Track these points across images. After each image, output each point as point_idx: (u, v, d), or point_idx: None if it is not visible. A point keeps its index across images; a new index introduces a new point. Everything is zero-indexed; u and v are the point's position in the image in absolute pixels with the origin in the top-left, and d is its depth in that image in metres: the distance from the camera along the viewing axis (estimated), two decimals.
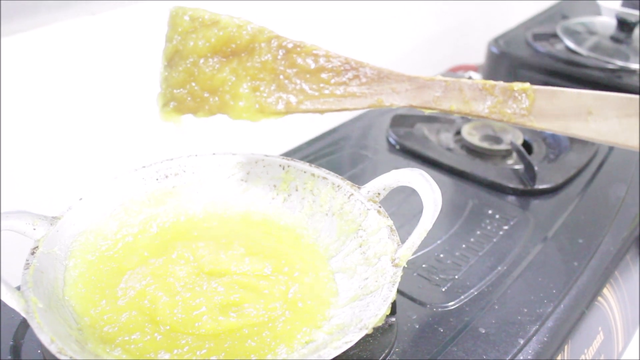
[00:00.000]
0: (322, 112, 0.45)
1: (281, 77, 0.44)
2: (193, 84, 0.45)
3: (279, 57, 0.43)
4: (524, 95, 0.42)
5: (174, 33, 0.45)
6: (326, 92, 0.44)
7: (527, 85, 0.43)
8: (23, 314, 0.44)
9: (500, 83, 0.43)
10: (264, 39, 0.44)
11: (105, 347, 0.48)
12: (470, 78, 1.06)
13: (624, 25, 1.25)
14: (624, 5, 1.46)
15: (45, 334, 0.43)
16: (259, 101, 0.45)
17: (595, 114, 0.41)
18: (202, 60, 0.45)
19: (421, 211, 0.53)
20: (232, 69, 0.44)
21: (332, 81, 0.44)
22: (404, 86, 0.44)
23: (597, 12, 1.43)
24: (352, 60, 0.44)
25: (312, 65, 0.44)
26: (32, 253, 0.51)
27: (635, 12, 1.34)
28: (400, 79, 0.43)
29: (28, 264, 0.49)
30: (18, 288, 0.48)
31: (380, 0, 1.25)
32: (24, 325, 0.55)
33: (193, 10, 0.45)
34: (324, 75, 0.44)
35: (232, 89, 0.45)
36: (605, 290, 0.69)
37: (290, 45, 0.44)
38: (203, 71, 0.45)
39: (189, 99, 0.46)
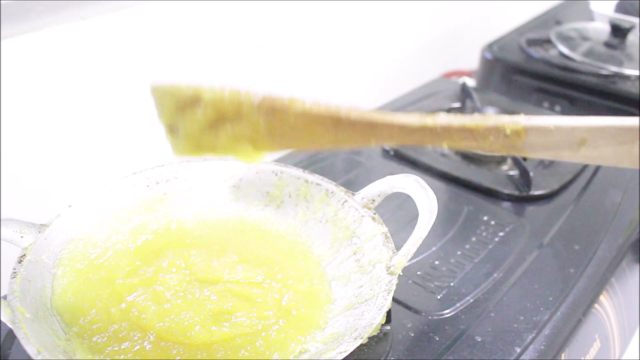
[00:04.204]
0: (319, 149, 0.47)
1: (277, 133, 0.44)
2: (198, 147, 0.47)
3: (269, 118, 0.43)
4: (514, 133, 0.42)
5: (161, 111, 0.46)
6: (320, 138, 0.44)
7: (518, 125, 0.41)
8: (9, 325, 0.43)
9: (491, 121, 0.42)
10: (248, 106, 0.43)
11: (94, 357, 0.47)
12: (464, 84, 1.05)
13: (618, 31, 1.25)
14: (617, 11, 1.46)
15: (32, 345, 0.42)
16: (260, 151, 0.46)
17: (589, 144, 0.41)
18: (198, 134, 0.46)
19: (416, 217, 0.52)
20: (229, 134, 0.45)
21: (325, 131, 0.44)
22: (394, 132, 0.43)
23: (591, 17, 1.43)
24: (342, 111, 0.43)
25: (303, 121, 0.43)
26: (20, 261, 0.50)
27: (629, 17, 1.34)
28: (390, 126, 0.43)
29: (15, 272, 0.48)
30: (5, 297, 0.47)
31: (373, 6, 1.24)
32: (10, 336, 0.54)
33: (171, 89, 0.45)
34: (315, 128, 0.44)
35: (234, 148, 0.46)
36: (601, 297, 0.69)
37: (277, 105, 0.43)
38: (203, 141, 0.46)
39: (198, 152, 0.47)
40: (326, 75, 1.23)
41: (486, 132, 0.42)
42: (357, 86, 1.31)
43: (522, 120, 0.42)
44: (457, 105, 1.03)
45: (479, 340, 0.57)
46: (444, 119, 0.43)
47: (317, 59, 1.19)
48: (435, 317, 0.60)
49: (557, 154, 0.42)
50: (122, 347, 0.47)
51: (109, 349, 0.47)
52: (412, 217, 0.55)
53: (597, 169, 0.87)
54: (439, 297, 0.63)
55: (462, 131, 0.42)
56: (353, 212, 0.57)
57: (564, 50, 1.23)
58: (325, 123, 0.43)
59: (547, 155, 0.42)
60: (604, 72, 1.16)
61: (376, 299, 0.49)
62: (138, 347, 0.47)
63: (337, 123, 0.43)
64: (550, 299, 0.63)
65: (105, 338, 0.48)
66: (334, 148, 0.45)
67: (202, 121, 0.44)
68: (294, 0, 1.07)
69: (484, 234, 0.73)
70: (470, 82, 1.25)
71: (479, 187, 0.81)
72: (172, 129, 0.46)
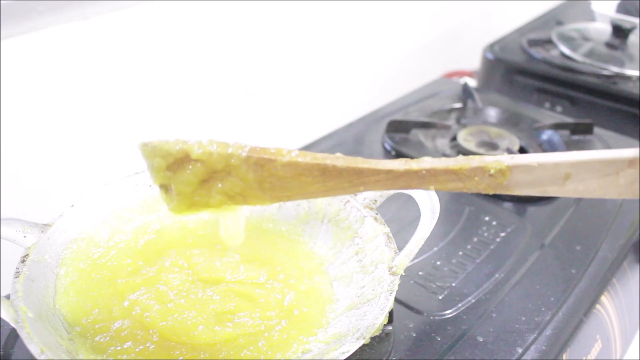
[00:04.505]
0: (309, 198, 0.47)
1: (267, 185, 0.44)
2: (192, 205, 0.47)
3: (257, 170, 0.44)
4: (499, 172, 0.42)
5: (153, 171, 0.46)
6: (310, 188, 0.45)
7: (502, 164, 0.42)
8: (12, 324, 0.43)
9: (474, 162, 0.42)
10: (237, 159, 0.44)
11: (97, 356, 0.47)
12: (465, 84, 1.05)
13: (619, 32, 1.26)
14: (618, 11, 1.46)
15: (35, 344, 0.42)
16: (252, 205, 0.46)
17: (573, 178, 0.41)
18: (190, 193, 0.46)
19: (418, 217, 0.52)
20: (220, 190, 0.45)
21: (313, 181, 0.44)
22: (381, 177, 0.44)
23: (592, 18, 1.43)
24: (328, 161, 0.44)
25: (291, 172, 0.44)
26: (23, 261, 0.50)
27: (630, 18, 1.34)
28: (377, 172, 0.43)
29: (18, 272, 0.49)
30: (8, 297, 0.47)
31: (374, 6, 1.24)
32: (13, 335, 0.54)
33: (160, 146, 0.45)
34: (303, 178, 0.44)
35: (226, 204, 0.46)
36: (603, 298, 0.69)
37: (264, 156, 0.43)
38: (196, 199, 0.46)
39: (192, 210, 0.47)
40: (327, 75, 1.23)
41: (471, 173, 0.42)
42: (358, 87, 1.31)
43: (506, 159, 0.42)
44: (458, 105, 1.03)
45: (481, 340, 0.58)
46: (428, 163, 0.43)
47: (318, 59, 1.19)
48: (437, 318, 0.60)
49: (544, 190, 0.42)
50: (125, 346, 0.47)
51: (111, 348, 0.47)
52: (414, 218, 0.55)
53: None
54: (440, 297, 0.63)
55: (446, 173, 0.43)
56: (355, 212, 0.57)
57: (565, 50, 1.23)
58: (312, 173, 0.43)
59: (534, 192, 0.42)
60: (605, 72, 1.16)
61: (378, 299, 0.49)
62: (141, 347, 0.47)
63: (324, 172, 0.43)
64: (552, 299, 0.63)
65: (108, 338, 0.48)
66: (324, 196, 0.46)
67: (193, 179, 0.44)
68: (294, 0, 1.07)
69: (486, 234, 0.73)
70: (472, 83, 1.25)
71: None
72: (166, 189, 0.46)
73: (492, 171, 0.42)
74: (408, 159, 0.44)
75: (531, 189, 0.42)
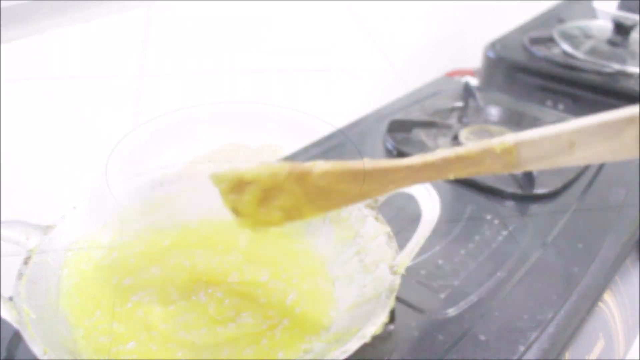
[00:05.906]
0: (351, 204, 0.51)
1: (312, 196, 0.48)
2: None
3: (300, 184, 0.47)
4: (505, 151, 0.44)
5: (222, 197, 0.50)
6: (348, 194, 0.48)
7: (506, 143, 0.43)
8: (16, 325, 0.44)
9: (480, 145, 0.44)
10: (282, 177, 0.47)
11: (100, 357, 0.47)
12: (467, 83, 1.05)
13: (621, 29, 1.25)
14: (620, 8, 1.46)
15: (38, 345, 0.42)
16: (307, 218, 0.50)
17: (579, 145, 0.42)
18: (253, 212, 0.49)
19: (419, 216, 0.52)
20: (276, 206, 0.48)
21: (349, 186, 0.48)
22: (404, 173, 0.47)
23: (594, 15, 1.43)
24: (356, 167, 0.47)
25: (328, 181, 0.47)
26: (25, 263, 0.50)
27: (632, 15, 1.34)
28: (399, 169, 0.47)
29: (21, 274, 0.49)
30: (10, 298, 0.47)
31: (375, 5, 1.24)
32: (17, 337, 0.54)
33: (219, 175, 0.49)
34: (340, 185, 0.48)
35: (287, 221, 0.50)
36: (605, 296, 0.69)
37: (303, 169, 0.47)
38: (260, 218, 0.49)
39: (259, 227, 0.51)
40: (328, 75, 1.23)
41: (481, 156, 0.44)
42: (359, 85, 1.31)
43: (509, 138, 0.43)
44: (460, 104, 1.03)
45: (483, 339, 0.58)
46: (440, 153, 0.46)
47: (319, 59, 1.19)
48: (439, 317, 0.60)
49: (555, 161, 0.43)
50: (128, 347, 0.48)
51: (114, 349, 0.47)
52: (415, 217, 0.55)
53: (601, 166, 0.87)
54: (442, 296, 0.63)
55: (459, 160, 0.45)
56: (356, 212, 0.57)
57: (567, 48, 1.23)
58: (346, 178, 0.47)
59: (546, 165, 0.44)
60: (607, 70, 1.16)
61: (380, 298, 0.49)
62: (143, 348, 0.48)
63: (356, 176, 0.47)
64: (554, 297, 0.63)
65: (111, 339, 0.48)
66: (363, 199, 0.50)
67: (252, 199, 0.48)
68: (294, 0, 1.07)
69: (487, 233, 0.73)
70: (473, 81, 1.25)
71: (482, 186, 0.81)
72: (236, 212, 0.50)
73: (498, 151, 0.44)
74: (425, 154, 0.46)
75: (543, 162, 0.44)
